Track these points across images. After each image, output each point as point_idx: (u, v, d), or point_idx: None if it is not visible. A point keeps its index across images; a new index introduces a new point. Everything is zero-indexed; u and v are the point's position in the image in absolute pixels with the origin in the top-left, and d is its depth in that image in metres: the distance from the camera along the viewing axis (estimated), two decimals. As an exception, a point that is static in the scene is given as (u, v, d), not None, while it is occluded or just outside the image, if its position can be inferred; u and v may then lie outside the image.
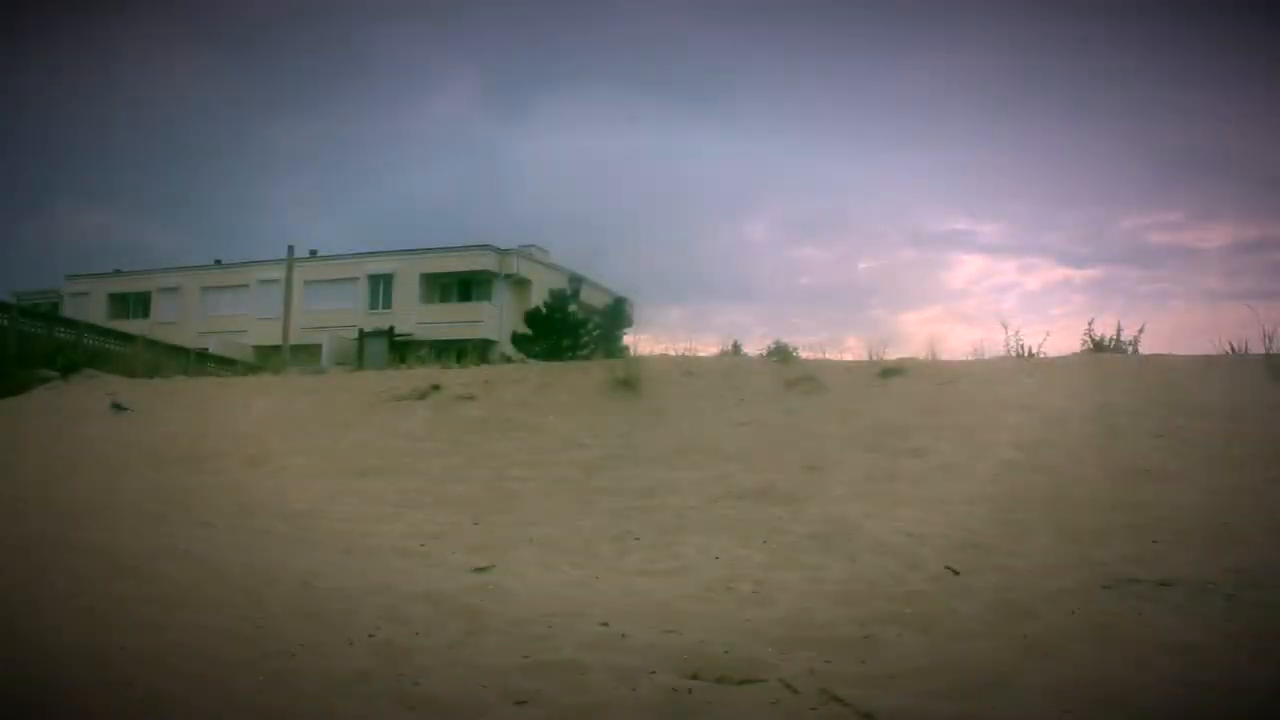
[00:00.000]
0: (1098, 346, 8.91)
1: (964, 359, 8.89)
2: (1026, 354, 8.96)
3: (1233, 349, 8.20)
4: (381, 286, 38.25)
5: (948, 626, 3.18)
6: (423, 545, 4.96)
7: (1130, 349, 8.77)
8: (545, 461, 6.90)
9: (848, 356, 9.24)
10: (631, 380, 8.38)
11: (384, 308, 37.57)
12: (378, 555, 4.72)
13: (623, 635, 3.14)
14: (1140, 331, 9.01)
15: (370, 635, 3.17)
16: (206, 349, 27.23)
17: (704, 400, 7.98)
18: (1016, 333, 11.38)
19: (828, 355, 9.47)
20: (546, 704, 2.49)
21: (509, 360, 15.30)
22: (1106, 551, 4.19)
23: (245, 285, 39.43)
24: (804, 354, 9.62)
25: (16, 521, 5.34)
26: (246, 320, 38.36)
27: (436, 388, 9.16)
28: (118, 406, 9.67)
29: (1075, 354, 8.72)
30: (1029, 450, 6.00)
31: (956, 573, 3.96)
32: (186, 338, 28.67)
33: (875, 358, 8.76)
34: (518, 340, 28.44)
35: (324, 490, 6.50)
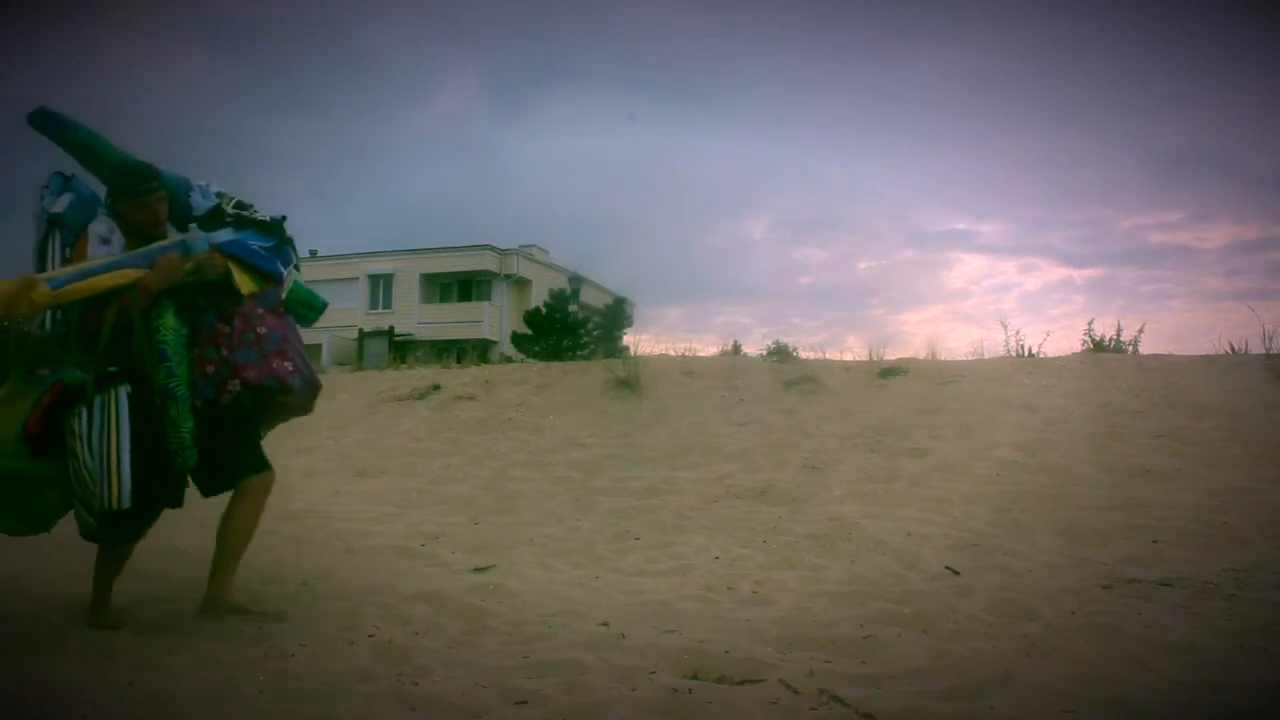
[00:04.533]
0: (1098, 346, 8.92)
1: (964, 359, 8.90)
2: (1026, 354, 8.98)
3: (1233, 349, 8.22)
4: (381, 286, 38.25)
5: (948, 626, 3.18)
6: (423, 545, 4.96)
7: (1130, 349, 8.78)
8: (545, 461, 6.91)
9: (848, 356, 9.26)
10: (631, 380, 8.38)
11: (384, 308, 37.57)
12: (378, 555, 4.72)
13: (623, 635, 3.14)
14: (1140, 331, 9.06)
15: (370, 635, 3.17)
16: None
17: (704, 400, 7.98)
18: (1016, 333, 11.49)
19: (828, 355, 9.49)
20: (546, 704, 2.49)
21: (509, 360, 15.30)
22: (1106, 551, 4.19)
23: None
24: (804, 354, 9.65)
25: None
26: (246, 320, 38.32)
27: (436, 388, 9.17)
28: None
29: (1075, 354, 8.72)
30: (1029, 450, 6.00)
31: (956, 573, 3.96)
32: (186, 338, 28.60)
33: (875, 358, 8.77)
34: (518, 340, 28.45)
35: (324, 490, 6.50)
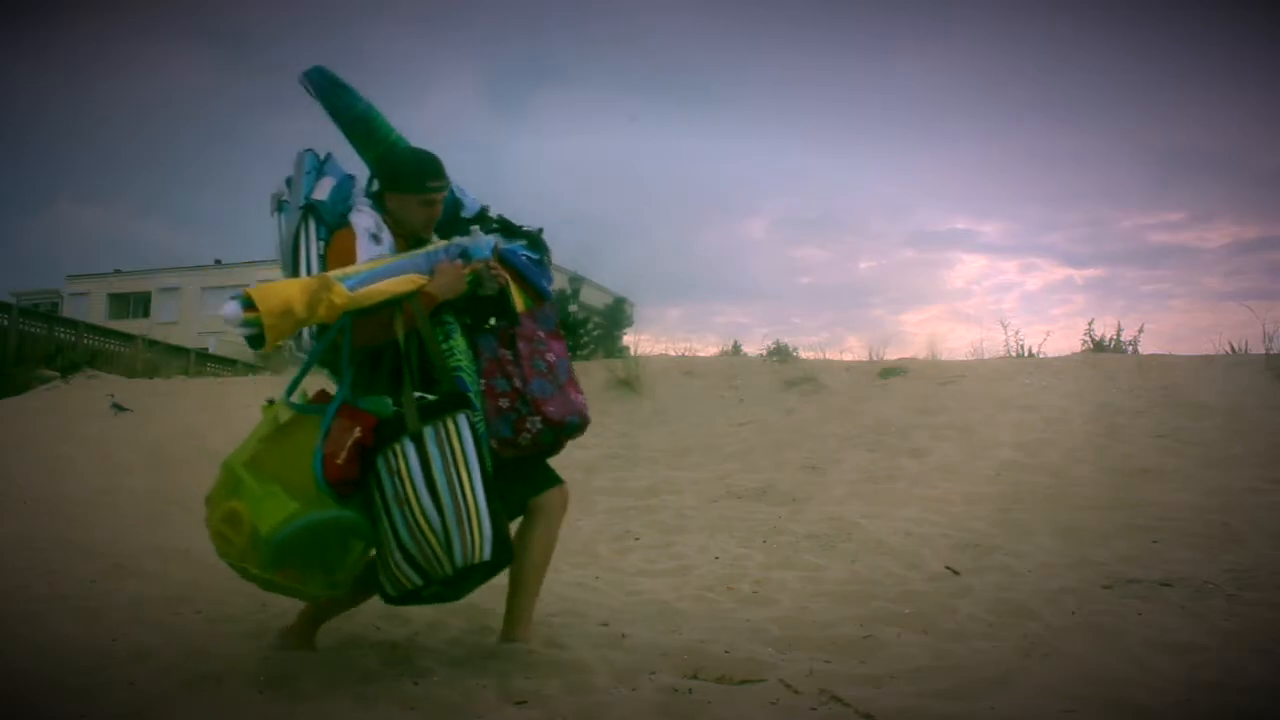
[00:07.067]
0: (1098, 346, 8.92)
1: (964, 359, 8.90)
2: (1026, 354, 8.98)
3: (1233, 349, 8.22)
4: (381, 286, 38.20)
5: (948, 626, 3.18)
6: (423, 545, 4.95)
7: (1130, 349, 8.78)
8: (545, 461, 6.90)
9: (848, 356, 9.27)
10: (631, 380, 8.37)
11: (384, 308, 37.52)
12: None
13: (623, 635, 3.14)
14: (1140, 331, 9.07)
15: (370, 635, 3.17)
16: (206, 349, 27.22)
17: (704, 400, 7.98)
18: (1016, 333, 11.50)
19: (828, 355, 9.49)
20: (546, 704, 2.49)
21: (509, 360, 15.26)
22: (1106, 551, 4.19)
23: (246, 285, 39.43)
24: (804, 354, 9.64)
25: (16, 521, 5.35)
26: (247, 320, 38.29)
27: (436, 388, 9.15)
28: (118, 407, 9.66)
29: (1075, 354, 8.72)
30: (1029, 450, 6.00)
31: (956, 573, 3.96)
32: (186, 338, 28.64)
33: (875, 358, 8.78)
34: (518, 340, 28.39)
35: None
